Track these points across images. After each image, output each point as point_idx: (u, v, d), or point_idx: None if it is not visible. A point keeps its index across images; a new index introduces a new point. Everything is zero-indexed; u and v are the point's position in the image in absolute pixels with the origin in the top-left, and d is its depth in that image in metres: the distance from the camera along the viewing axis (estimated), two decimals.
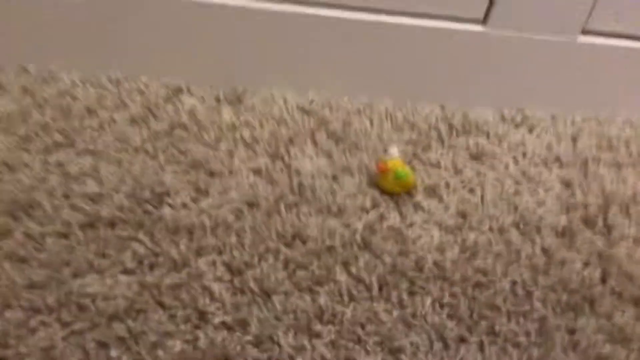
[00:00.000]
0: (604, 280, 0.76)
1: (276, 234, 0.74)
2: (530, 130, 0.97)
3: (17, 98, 0.85)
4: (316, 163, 0.85)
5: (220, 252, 0.71)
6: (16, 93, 0.86)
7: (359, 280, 0.71)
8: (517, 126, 0.97)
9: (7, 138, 0.79)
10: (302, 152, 0.86)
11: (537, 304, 0.72)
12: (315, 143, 0.88)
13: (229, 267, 0.70)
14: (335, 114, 0.93)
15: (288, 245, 0.74)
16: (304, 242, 0.74)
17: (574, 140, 0.96)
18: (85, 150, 0.79)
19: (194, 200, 0.76)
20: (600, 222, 0.83)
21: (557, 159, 0.92)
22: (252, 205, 0.77)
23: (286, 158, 0.85)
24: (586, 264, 0.77)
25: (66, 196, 0.73)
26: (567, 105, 1.01)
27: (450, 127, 0.94)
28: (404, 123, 0.94)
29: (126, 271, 0.67)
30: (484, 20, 0.92)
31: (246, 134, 0.87)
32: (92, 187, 0.75)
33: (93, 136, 0.81)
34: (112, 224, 0.72)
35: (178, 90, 0.92)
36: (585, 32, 0.93)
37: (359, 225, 0.77)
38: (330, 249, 0.74)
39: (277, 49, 0.92)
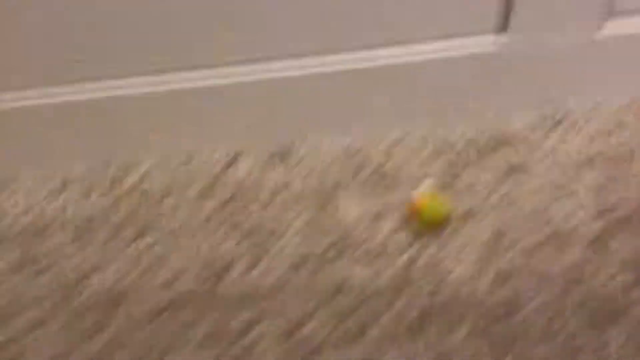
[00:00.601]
0: (637, 283, 0.78)
1: (323, 288, 0.85)
2: (567, 130, 0.97)
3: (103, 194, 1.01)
4: (359, 206, 0.93)
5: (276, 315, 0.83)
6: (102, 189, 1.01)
7: (399, 321, 0.80)
8: (554, 126, 0.98)
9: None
10: (346, 196, 0.95)
11: (566, 323, 0.76)
12: (358, 184, 0.96)
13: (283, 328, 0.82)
14: (374, 149, 1.00)
15: (335, 294, 0.84)
16: (348, 292, 0.84)
17: (615, 131, 0.96)
18: (163, 234, 0.94)
19: (251, 267, 0.89)
20: (636, 220, 0.84)
21: (600, 153, 0.92)
22: (302, 262, 0.88)
23: (330, 207, 0.94)
24: (620, 270, 0.80)
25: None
26: (609, 93, 0.99)
27: (485, 144, 0.98)
28: (440, 147, 0.99)
29: (201, 346, 0.82)
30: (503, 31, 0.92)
31: (296, 187, 0.97)
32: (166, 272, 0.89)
33: (168, 219, 0.96)
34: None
35: (236, 155, 1.03)
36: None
37: (399, 265, 0.85)
38: (372, 294, 0.83)
39: (317, 102, 1.01)
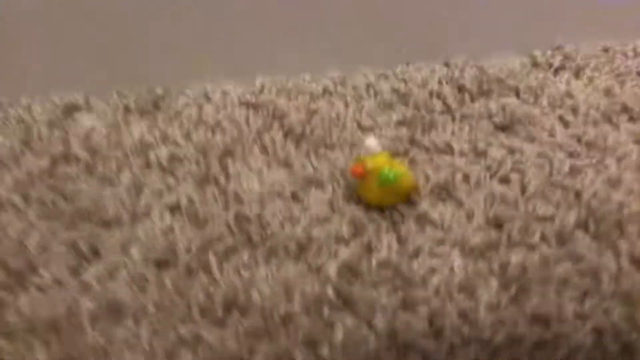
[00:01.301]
0: None
1: (199, 311, 0.43)
2: (578, 74, 0.63)
3: None
4: (267, 179, 0.53)
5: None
6: None
7: None
8: (557, 71, 0.63)
9: None
10: (247, 165, 0.55)
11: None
12: (264, 149, 0.57)
13: None
14: (294, 101, 0.61)
15: (217, 323, 0.43)
16: (243, 314, 0.43)
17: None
18: None
19: (73, 272, 0.46)
20: None
21: (625, 109, 0.58)
22: (163, 265, 0.47)
23: (222, 180, 0.54)
24: None
25: None
26: (623, 31, 0.66)
27: (461, 89, 0.61)
28: (392, 96, 0.61)
29: None
30: None
31: (163, 153, 0.56)
32: None
33: None
34: None
35: (72, 108, 0.62)
36: None
37: (333, 270, 0.45)
38: (287, 319, 0.43)
39: (203, 28, 0.62)
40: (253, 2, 0.60)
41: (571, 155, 0.54)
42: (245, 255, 0.47)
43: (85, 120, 0.60)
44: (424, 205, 0.50)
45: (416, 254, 0.47)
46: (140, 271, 0.46)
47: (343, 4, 0.61)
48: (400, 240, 0.48)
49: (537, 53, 0.65)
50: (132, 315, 0.43)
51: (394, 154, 0.54)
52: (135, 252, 0.47)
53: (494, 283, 0.44)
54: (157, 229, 0.49)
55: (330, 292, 0.44)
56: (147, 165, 0.56)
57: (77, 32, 0.60)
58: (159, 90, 0.63)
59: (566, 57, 0.64)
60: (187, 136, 0.58)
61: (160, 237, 0.49)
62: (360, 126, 0.58)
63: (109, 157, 0.56)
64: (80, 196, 0.52)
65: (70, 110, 0.62)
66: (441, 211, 0.50)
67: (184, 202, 0.51)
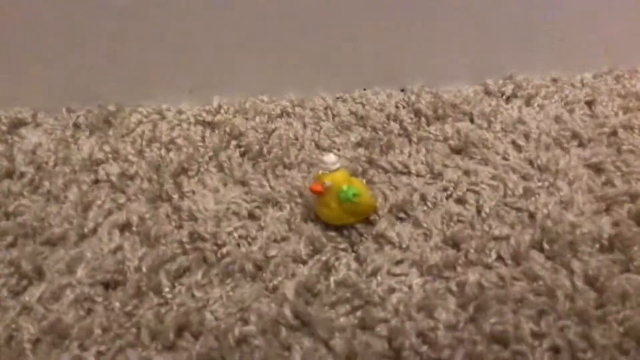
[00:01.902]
0: None
1: (148, 334, 0.41)
2: (528, 102, 0.64)
3: None
4: (222, 197, 0.52)
5: None
6: None
7: None
8: (509, 99, 0.65)
9: None
10: (201, 183, 0.53)
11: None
12: (221, 168, 0.55)
13: None
14: (251, 121, 0.60)
15: (168, 347, 0.40)
16: (195, 337, 0.41)
17: (590, 105, 0.64)
18: None
19: (14, 294, 0.43)
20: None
21: (575, 135, 0.59)
22: (111, 285, 0.44)
23: (175, 198, 0.52)
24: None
25: None
26: (571, 64, 0.68)
27: (418, 113, 0.62)
28: (350, 118, 0.61)
29: None
30: None
31: (113, 170, 0.54)
32: None
33: None
34: None
35: (18, 124, 0.59)
36: None
37: (290, 290, 0.44)
38: (242, 342, 0.41)
39: (161, 46, 0.60)
40: (212, 22, 0.59)
41: (524, 177, 0.54)
42: (199, 276, 0.45)
43: (32, 136, 0.57)
44: (382, 224, 0.49)
45: (375, 273, 0.46)
46: (86, 292, 0.43)
47: (303, 28, 0.60)
48: (359, 260, 0.47)
49: (490, 81, 0.66)
50: (78, 339, 0.40)
51: (352, 174, 0.54)
52: (81, 272, 0.45)
53: (452, 302, 0.44)
54: (105, 248, 0.47)
55: (287, 312, 0.42)
56: (96, 182, 0.53)
57: (27, 46, 0.58)
58: (111, 107, 0.61)
59: (517, 86, 0.65)
60: (140, 153, 0.56)
61: (108, 256, 0.46)
62: (318, 146, 0.58)
63: (55, 174, 0.53)
64: (24, 213, 0.49)
65: (16, 125, 0.59)
66: (399, 231, 0.49)
67: (134, 220, 0.49)
